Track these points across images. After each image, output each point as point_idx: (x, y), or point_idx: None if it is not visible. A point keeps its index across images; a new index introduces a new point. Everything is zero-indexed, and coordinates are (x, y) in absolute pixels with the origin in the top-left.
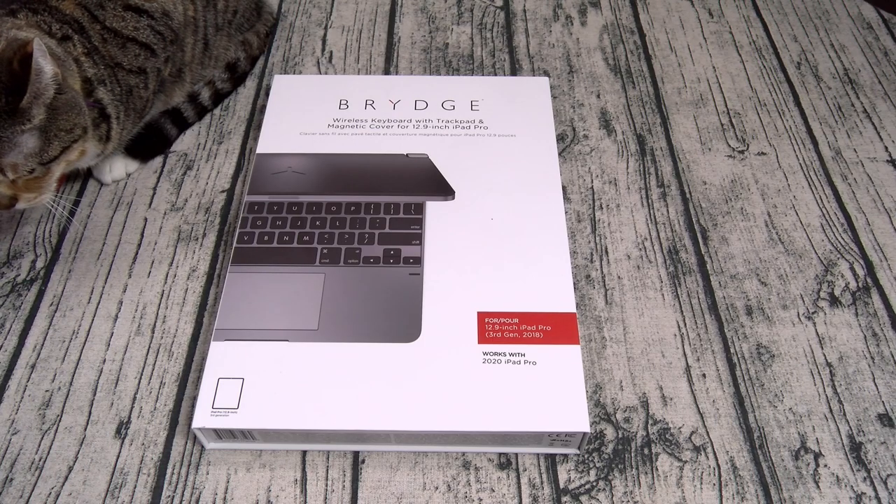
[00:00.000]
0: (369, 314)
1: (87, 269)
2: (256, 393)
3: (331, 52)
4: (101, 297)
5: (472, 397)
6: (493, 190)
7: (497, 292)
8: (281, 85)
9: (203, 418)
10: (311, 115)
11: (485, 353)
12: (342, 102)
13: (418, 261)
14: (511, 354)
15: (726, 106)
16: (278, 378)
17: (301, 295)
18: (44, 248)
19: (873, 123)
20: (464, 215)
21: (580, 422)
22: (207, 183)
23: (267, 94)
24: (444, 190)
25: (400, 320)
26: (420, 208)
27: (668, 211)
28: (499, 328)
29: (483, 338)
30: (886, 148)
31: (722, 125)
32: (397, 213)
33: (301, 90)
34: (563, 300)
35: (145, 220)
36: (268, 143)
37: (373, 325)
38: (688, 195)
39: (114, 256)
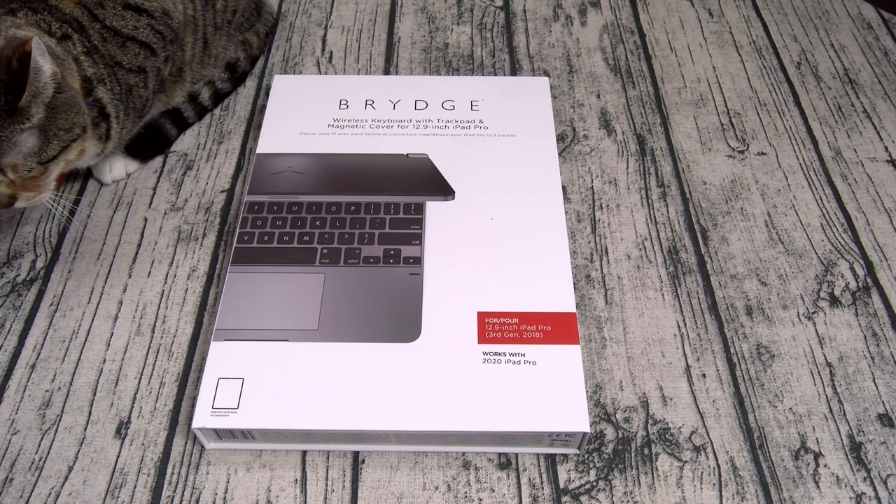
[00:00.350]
0: (369, 314)
1: (87, 269)
2: (256, 393)
3: (331, 52)
4: (101, 297)
5: (472, 397)
6: (493, 190)
7: (497, 292)
8: (281, 85)
9: (203, 418)
10: (311, 115)
11: (485, 353)
12: (342, 102)
13: (418, 261)
14: (511, 354)
15: (726, 106)
16: (278, 378)
17: (301, 295)
18: (44, 248)
19: (873, 123)
20: (464, 215)
21: (580, 422)
22: (207, 183)
23: (267, 94)
24: (444, 190)
25: (400, 320)
26: (420, 208)
27: (668, 211)
28: (499, 328)
29: (483, 338)
30: (886, 148)
31: (722, 125)
32: (397, 213)
33: (301, 90)
34: (563, 300)
35: (145, 220)
36: (268, 143)
37: (373, 325)
38: (688, 195)
39: (114, 256)
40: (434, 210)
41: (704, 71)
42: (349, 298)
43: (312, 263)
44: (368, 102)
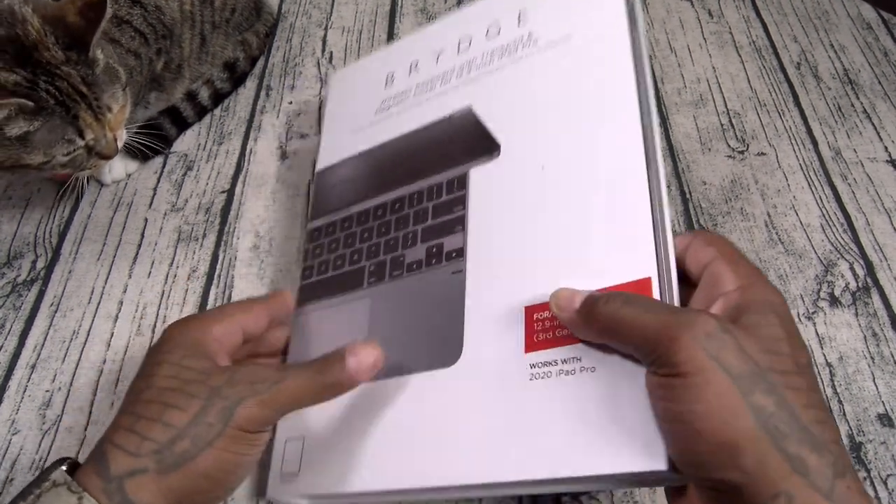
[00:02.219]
0: (411, 337)
1: (88, 270)
2: (318, 454)
3: (331, 53)
4: (101, 297)
5: (520, 432)
6: (547, 125)
7: (549, 274)
8: (336, 81)
9: (276, 488)
10: (359, 108)
11: (532, 366)
12: (388, 78)
13: (461, 252)
14: (564, 361)
15: (726, 106)
16: (335, 435)
17: (345, 330)
18: (44, 249)
19: (873, 123)
20: (511, 172)
21: (654, 455)
22: (207, 183)
23: (267, 95)
24: (488, 147)
25: (439, 339)
26: (463, 182)
27: None
28: (549, 325)
29: (532, 342)
30: (886, 148)
31: (722, 125)
32: (439, 195)
33: (351, 82)
34: (636, 263)
35: (145, 220)
36: (328, 154)
37: (413, 351)
38: (688, 195)
39: (114, 257)
40: (478, 181)
41: (704, 71)
42: (393, 322)
43: (360, 287)
44: (412, 66)
